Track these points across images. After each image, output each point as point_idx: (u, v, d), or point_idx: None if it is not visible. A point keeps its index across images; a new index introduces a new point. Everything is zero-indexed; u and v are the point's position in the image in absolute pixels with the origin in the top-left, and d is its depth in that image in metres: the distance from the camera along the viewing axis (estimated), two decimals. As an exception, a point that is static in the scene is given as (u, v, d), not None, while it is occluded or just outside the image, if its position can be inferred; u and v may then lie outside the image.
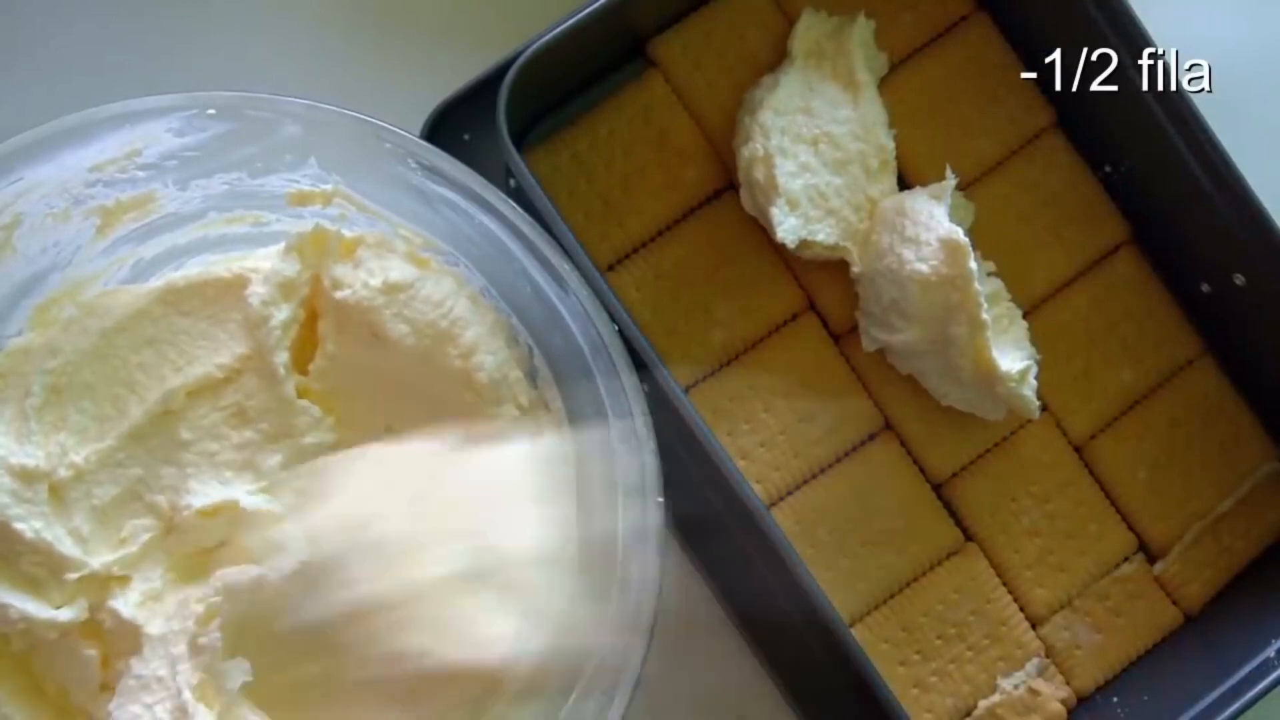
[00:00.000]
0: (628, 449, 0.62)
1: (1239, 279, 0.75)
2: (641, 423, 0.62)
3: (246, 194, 0.67)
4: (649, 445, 0.62)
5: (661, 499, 0.61)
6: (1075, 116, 0.79)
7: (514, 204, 0.63)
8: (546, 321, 0.65)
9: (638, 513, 0.62)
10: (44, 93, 0.78)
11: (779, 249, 0.75)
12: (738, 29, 0.77)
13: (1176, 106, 0.72)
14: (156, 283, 0.67)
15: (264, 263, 0.67)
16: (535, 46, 0.68)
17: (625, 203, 0.76)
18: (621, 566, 0.63)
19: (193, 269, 0.69)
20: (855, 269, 0.74)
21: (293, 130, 0.63)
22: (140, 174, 0.65)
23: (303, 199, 0.66)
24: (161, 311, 0.66)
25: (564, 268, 0.63)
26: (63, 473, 0.64)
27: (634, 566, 0.62)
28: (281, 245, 0.67)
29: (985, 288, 0.72)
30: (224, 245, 0.69)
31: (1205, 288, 0.78)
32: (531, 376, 0.68)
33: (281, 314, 0.66)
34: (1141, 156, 0.77)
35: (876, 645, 0.75)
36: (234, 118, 0.63)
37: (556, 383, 0.67)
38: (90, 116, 0.61)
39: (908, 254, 0.71)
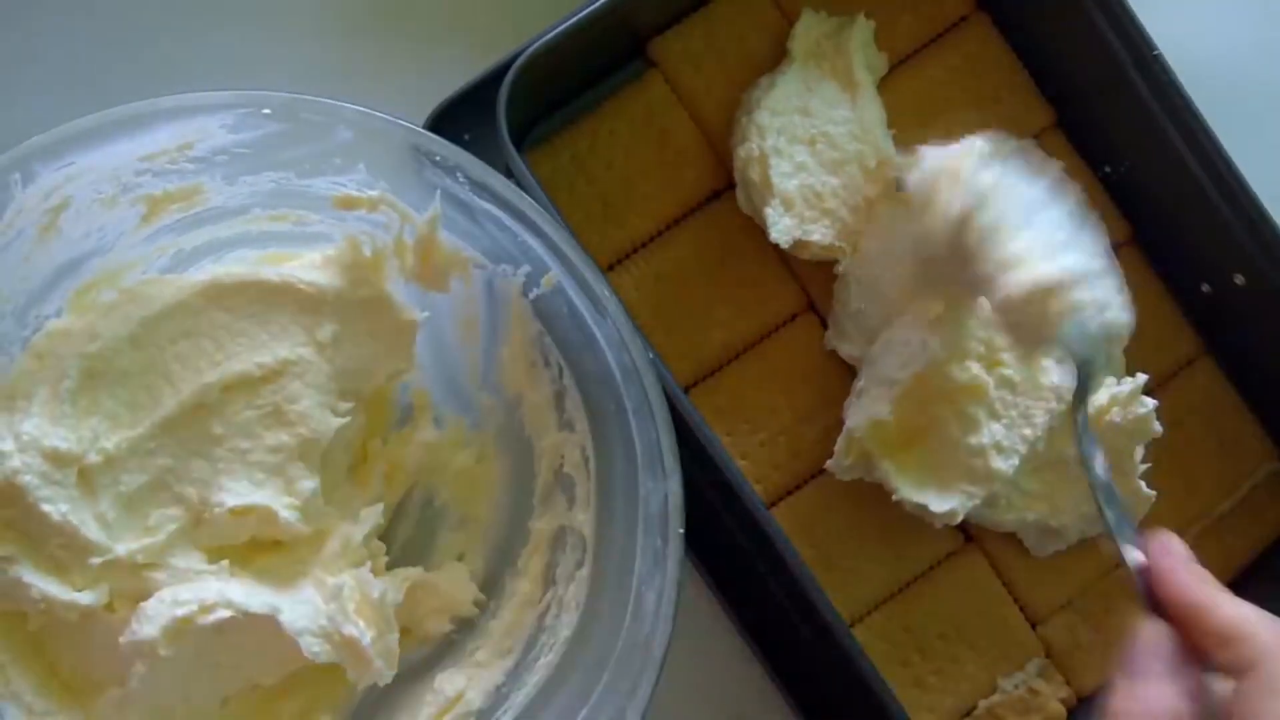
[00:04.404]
0: (653, 477, 0.62)
1: (1239, 279, 0.75)
2: (669, 452, 0.62)
3: (293, 193, 0.67)
4: (675, 476, 0.61)
5: (682, 530, 0.61)
6: (1075, 116, 0.79)
7: (562, 226, 0.63)
8: (580, 343, 0.65)
9: (657, 541, 0.61)
10: (47, 93, 0.78)
11: (778, 249, 0.75)
12: (738, 29, 0.77)
13: (1176, 106, 0.72)
14: (201, 275, 0.67)
15: (311, 273, 0.67)
16: (535, 46, 0.68)
17: (625, 203, 0.76)
18: (636, 595, 0.62)
19: (231, 263, 0.69)
20: (839, 267, 0.74)
21: (344, 135, 0.64)
22: (190, 166, 0.65)
23: (349, 203, 0.67)
24: (203, 305, 0.66)
25: (604, 293, 0.63)
26: (93, 458, 0.64)
27: (649, 595, 0.62)
28: (318, 254, 0.68)
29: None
30: (264, 241, 0.69)
31: (1205, 288, 0.78)
32: (559, 396, 0.68)
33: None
34: (1141, 156, 0.77)
35: (877, 645, 0.74)
36: (288, 119, 0.63)
37: (584, 404, 0.67)
38: (147, 108, 0.62)
39: (889, 275, 0.71)
